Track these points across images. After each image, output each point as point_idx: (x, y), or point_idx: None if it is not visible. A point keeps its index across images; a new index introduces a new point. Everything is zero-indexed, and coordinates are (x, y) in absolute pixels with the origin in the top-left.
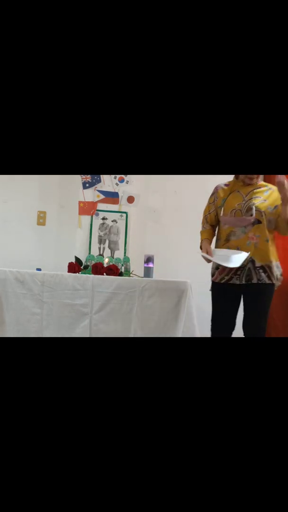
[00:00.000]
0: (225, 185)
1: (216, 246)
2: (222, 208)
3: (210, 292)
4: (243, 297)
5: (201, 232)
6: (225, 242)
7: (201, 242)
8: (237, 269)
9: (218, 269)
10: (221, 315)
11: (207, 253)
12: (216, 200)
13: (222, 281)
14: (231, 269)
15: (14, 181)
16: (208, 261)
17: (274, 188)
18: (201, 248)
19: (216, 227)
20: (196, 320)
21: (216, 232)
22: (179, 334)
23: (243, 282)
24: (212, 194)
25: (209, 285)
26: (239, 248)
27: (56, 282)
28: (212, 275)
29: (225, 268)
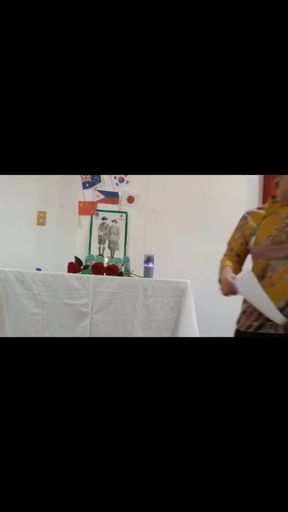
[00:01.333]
0: (259, 208)
1: None
2: (253, 238)
3: (210, 292)
4: None
5: (221, 260)
6: (260, 280)
7: (220, 271)
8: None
9: (245, 312)
10: None
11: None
12: (244, 225)
13: (249, 330)
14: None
15: (14, 181)
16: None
17: None
18: (220, 281)
19: (245, 257)
20: (196, 320)
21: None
22: (179, 334)
23: (280, 331)
24: (241, 219)
25: (209, 285)
26: (274, 284)
27: (56, 282)
28: (238, 322)
29: (254, 309)
